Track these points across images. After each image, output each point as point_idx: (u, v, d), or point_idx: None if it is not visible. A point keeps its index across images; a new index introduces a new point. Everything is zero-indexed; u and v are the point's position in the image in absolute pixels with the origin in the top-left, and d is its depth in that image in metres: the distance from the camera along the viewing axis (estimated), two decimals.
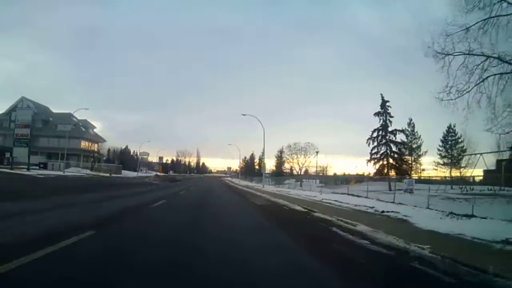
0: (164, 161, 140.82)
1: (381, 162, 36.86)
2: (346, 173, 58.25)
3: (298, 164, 57.19)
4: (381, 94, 37.71)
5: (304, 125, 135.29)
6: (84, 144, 74.72)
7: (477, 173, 41.75)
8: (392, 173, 33.77)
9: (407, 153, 38.55)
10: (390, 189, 31.59)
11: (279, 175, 57.44)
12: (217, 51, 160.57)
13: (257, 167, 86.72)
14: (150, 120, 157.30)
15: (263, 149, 37.95)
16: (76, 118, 78.30)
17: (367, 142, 37.68)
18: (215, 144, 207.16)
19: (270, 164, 71.41)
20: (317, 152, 53.46)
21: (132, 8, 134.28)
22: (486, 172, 40.53)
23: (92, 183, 28.09)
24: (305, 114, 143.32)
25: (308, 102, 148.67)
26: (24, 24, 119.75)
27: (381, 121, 37.23)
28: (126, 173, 75.07)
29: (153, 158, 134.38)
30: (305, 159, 56.31)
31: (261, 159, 79.50)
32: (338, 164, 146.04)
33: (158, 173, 52.96)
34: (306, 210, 13.22)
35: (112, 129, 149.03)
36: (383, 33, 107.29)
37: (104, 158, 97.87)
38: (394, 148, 36.96)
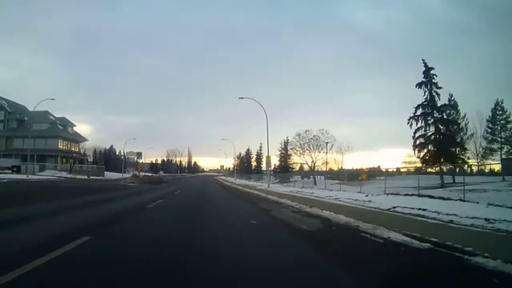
0: (154, 161, 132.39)
1: (428, 148, 28.15)
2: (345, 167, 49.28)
3: (311, 156, 44.45)
4: (423, 60, 29.21)
5: (304, 124, 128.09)
6: (62, 144, 65.81)
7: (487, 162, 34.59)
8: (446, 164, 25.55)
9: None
10: (442, 185, 24.03)
11: (286, 171, 47.36)
12: (212, 51, 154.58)
13: (254, 163, 78.49)
14: (142, 121, 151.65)
15: (267, 139, 30.03)
16: (53, 116, 69.37)
17: (408, 123, 29.04)
18: (207, 143, 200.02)
19: (272, 160, 63.42)
20: (326, 143, 44.13)
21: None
22: (506, 161, 33.86)
23: (47, 189, 19.97)
24: (305, 112, 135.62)
25: (308, 100, 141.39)
26: (19, 28, 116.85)
27: (426, 94, 28.35)
28: (111, 175, 66.44)
29: (145, 159, 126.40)
30: (319, 151, 44.32)
31: (259, 155, 70.83)
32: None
33: (137, 173, 43.79)
34: (430, 246, 5.43)
35: (103, 131, 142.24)
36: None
37: (91, 160, 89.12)
38: (443, 129, 28.09)
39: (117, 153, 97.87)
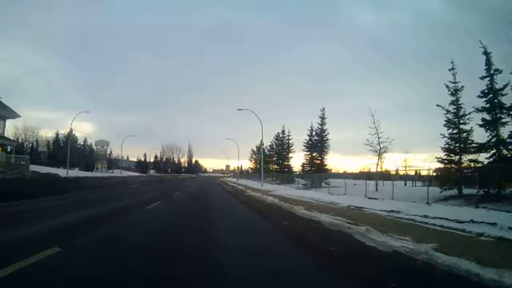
0: (143, 158, 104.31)
1: None
2: None
3: None
4: None
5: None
6: None
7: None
8: None
9: None
10: None
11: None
12: (212, 49, 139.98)
13: (295, 154, 47.90)
14: (141, 119, 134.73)
15: None
16: None
17: None
18: (211, 143, 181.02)
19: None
20: None
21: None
22: None
23: None
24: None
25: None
26: (19, 25, 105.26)
27: None
28: (60, 172, 37.96)
29: (132, 155, 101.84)
30: None
31: (321, 134, 35.71)
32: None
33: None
34: None
35: (104, 129, 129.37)
36: None
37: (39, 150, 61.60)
38: None
39: (83, 142, 69.75)
